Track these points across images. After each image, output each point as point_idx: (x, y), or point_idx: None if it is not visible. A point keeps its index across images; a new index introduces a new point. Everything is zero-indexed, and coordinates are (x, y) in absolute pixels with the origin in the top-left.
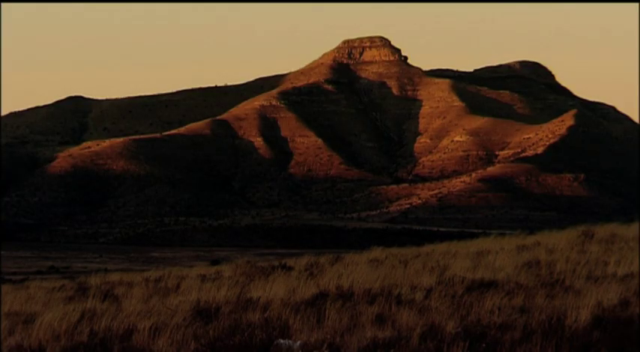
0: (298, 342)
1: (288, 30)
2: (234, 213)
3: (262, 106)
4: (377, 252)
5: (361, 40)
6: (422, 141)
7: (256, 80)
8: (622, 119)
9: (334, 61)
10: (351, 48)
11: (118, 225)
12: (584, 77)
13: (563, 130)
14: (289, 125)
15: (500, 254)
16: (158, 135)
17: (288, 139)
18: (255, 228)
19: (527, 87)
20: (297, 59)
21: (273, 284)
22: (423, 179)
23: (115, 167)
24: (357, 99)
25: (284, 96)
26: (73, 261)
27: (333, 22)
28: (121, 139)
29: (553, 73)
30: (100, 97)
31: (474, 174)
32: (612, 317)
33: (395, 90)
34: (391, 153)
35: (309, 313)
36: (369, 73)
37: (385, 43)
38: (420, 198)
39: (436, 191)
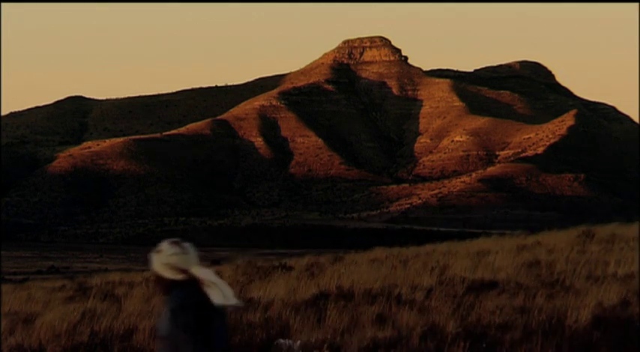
0: (298, 342)
1: (288, 30)
2: (235, 213)
3: (262, 106)
4: (377, 252)
5: (361, 40)
6: (422, 141)
7: (256, 80)
8: (622, 119)
9: (334, 61)
10: (351, 48)
11: (118, 225)
12: (584, 77)
13: (563, 130)
14: (289, 125)
15: (501, 254)
16: (158, 135)
17: (288, 139)
18: (256, 228)
19: (527, 87)
20: (297, 59)
21: (273, 284)
22: (423, 179)
23: (115, 167)
24: (357, 99)
25: (284, 96)
26: (73, 261)
27: (333, 22)
28: (121, 139)
29: (553, 73)
30: (100, 97)
31: (474, 174)
32: (612, 317)
33: (395, 90)
34: (391, 153)
35: (310, 313)
36: (369, 73)
37: (385, 43)
38: (420, 198)
39: (436, 191)
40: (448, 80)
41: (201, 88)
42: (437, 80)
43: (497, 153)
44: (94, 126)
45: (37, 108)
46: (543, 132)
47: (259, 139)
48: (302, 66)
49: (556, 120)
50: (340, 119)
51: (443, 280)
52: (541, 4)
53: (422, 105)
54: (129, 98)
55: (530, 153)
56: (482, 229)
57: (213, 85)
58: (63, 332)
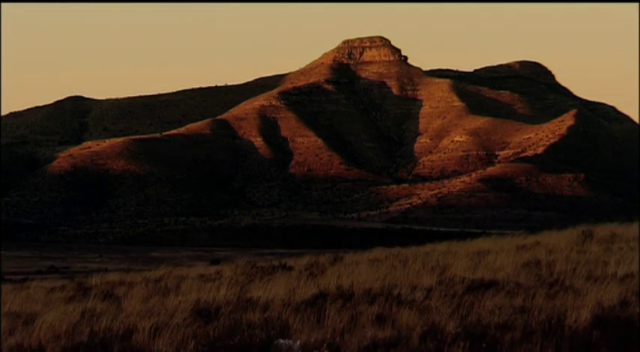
0: (298, 342)
1: (288, 30)
2: (234, 213)
3: (262, 106)
4: (377, 252)
5: (361, 40)
6: (422, 141)
7: (256, 80)
8: (622, 119)
9: (334, 61)
10: (351, 48)
11: (118, 225)
12: (584, 77)
13: (563, 130)
14: (289, 125)
15: (500, 254)
16: (158, 135)
17: (288, 139)
18: (255, 228)
19: (527, 87)
20: (297, 59)
21: (273, 284)
22: (423, 179)
23: (115, 167)
24: (357, 99)
25: (284, 96)
26: (73, 261)
27: (333, 22)
28: (121, 139)
29: (553, 73)
30: (100, 97)
31: (473, 174)
32: (612, 317)
33: (395, 90)
34: (391, 153)
35: (309, 313)
36: (369, 73)
37: (385, 43)
38: (420, 198)
39: (436, 191)
40: (448, 80)
41: (201, 88)
42: (437, 80)
43: (497, 153)
44: (94, 126)
45: (37, 108)
46: (543, 132)
47: (259, 139)
48: (302, 66)
49: (556, 120)
50: (340, 119)
51: (443, 280)
52: (541, 4)
53: (422, 105)
54: (129, 98)
55: (530, 153)
56: (482, 229)
57: (213, 84)
58: (63, 332)
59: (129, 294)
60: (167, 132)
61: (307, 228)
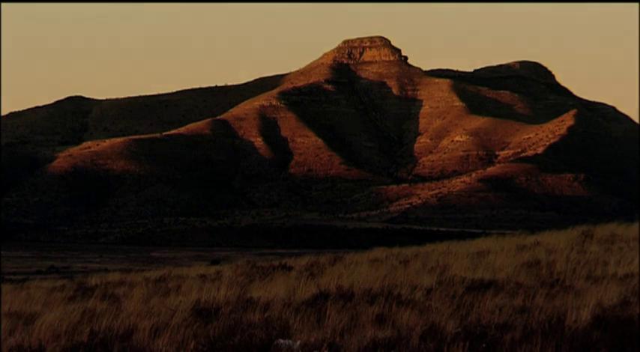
0: (298, 342)
1: (288, 30)
2: (234, 213)
3: (262, 106)
4: (377, 252)
5: (361, 40)
6: (422, 141)
7: (256, 80)
8: (622, 119)
9: (334, 61)
10: (351, 48)
11: (118, 225)
12: (584, 77)
13: (563, 130)
14: (289, 125)
15: (500, 254)
16: (158, 135)
17: (288, 139)
18: (255, 228)
19: (527, 87)
20: (297, 59)
21: (273, 284)
22: (423, 179)
23: (115, 167)
24: (357, 99)
25: (284, 96)
26: (73, 261)
27: (333, 22)
28: (121, 139)
29: (553, 73)
30: (100, 97)
31: (473, 174)
32: (612, 317)
33: (395, 90)
34: (391, 153)
35: (309, 313)
36: (369, 73)
37: (385, 43)
38: (420, 198)
39: (436, 191)
40: (448, 80)
41: (201, 88)
42: (437, 80)
43: (497, 153)
44: (94, 126)
45: (37, 108)
46: (543, 132)
47: (259, 139)
48: (302, 66)
49: (556, 120)
50: (340, 119)
51: (443, 280)
52: (541, 4)
53: (422, 105)
54: (129, 98)
55: (530, 153)
56: (482, 229)
57: (213, 85)
58: (63, 332)
59: (129, 294)
60: (167, 132)
61: (307, 228)
